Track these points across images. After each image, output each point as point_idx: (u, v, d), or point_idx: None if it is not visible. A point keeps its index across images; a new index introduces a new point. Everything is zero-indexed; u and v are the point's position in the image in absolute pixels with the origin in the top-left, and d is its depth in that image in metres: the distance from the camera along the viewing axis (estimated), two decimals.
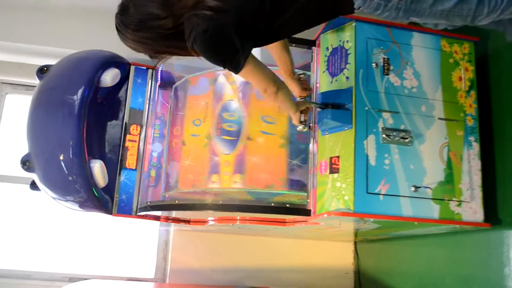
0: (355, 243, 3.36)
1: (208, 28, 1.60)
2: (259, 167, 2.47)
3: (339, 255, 3.34)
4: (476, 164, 2.21)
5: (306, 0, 1.70)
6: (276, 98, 1.85)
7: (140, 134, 2.82)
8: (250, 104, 2.54)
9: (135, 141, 2.82)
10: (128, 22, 1.67)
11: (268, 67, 1.82)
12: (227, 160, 2.51)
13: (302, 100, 2.14)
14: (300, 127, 2.10)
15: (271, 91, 1.81)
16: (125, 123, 2.82)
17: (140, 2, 1.67)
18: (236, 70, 1.69)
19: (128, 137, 2.81)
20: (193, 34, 1.61)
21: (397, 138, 2.13)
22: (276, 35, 1.82)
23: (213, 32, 1.60)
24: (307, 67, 2.51)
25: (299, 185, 2.41)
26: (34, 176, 2.66)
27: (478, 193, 2.18)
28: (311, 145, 2.33)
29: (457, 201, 2.14)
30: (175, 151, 2.74)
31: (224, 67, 1.70)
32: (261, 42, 1.79)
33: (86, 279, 2.97)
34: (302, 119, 2.06)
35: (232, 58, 1.66)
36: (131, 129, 2.82)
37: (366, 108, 2.13)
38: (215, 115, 2.58)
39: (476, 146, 2.23)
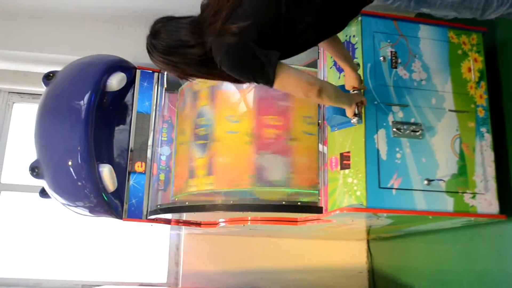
0: (368, 241, 3.32)
1: (230, 48, 1.60)
2: (226, 167, 2.47)
3: (352, 254, 3.31)
4: (489, 156, 2.18)
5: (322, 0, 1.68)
6: (321, 99, 1.78)
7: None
8: (216, 106, 2.56)
9: None
10: (159, 46, 1.67)
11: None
12: (201, 164, 2.52)
13: (356, 92, 2.06)
14: (354, 120, 2.03)
15: (313, 93, 1.74)
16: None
17: (172, 27, 1.67)
18: (269, 83, 1.66)
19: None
20: (219, 57, 1.62)
21: (408, 131, 2.11)
22: (302, 42, 1.77)
23: (235, 50, 1.60)
24: (314, 64, 2.50)
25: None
26: (43, 183, 2.66)
27: (493, 184, 2.15)
28: (320, 142, 2.31)
29: (471, 193, 2.11)
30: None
31: (257, 83, 1.68)
32: (288, 51, 1.74)
33: (98, 285, 2.96)
34: (357, 111, 1.99)
35: (262, 72, 1.63)
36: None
37: (375, 102, 2.12)
38: (192, 122, 2.63)
39: (488, 137, 2.20)
